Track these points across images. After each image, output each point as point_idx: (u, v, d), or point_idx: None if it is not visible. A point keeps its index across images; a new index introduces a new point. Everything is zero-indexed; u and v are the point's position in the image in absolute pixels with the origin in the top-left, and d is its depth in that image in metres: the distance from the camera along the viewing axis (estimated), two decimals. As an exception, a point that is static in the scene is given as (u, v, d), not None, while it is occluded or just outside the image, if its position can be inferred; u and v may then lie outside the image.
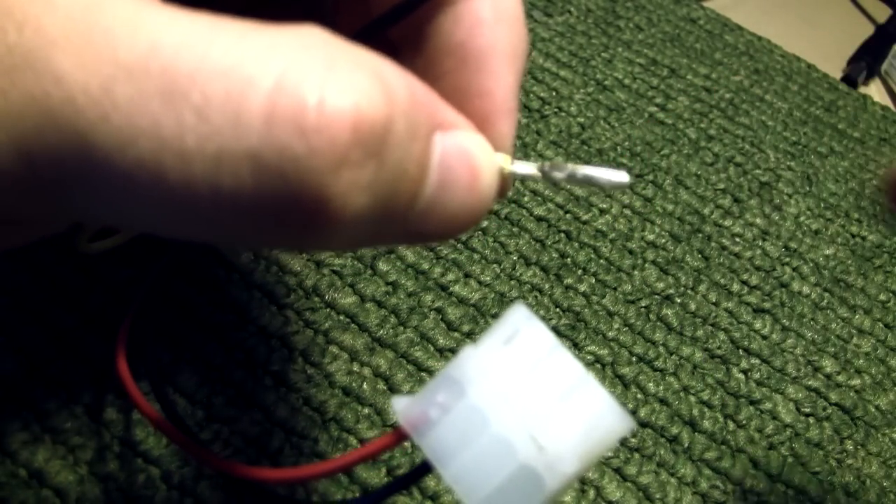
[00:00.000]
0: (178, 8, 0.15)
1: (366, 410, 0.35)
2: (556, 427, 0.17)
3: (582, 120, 0.53)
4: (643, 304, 0.43)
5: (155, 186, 0.14)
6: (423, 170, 0.17)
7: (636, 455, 0.37)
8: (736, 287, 0.46)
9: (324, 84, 0.15)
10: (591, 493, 0.35)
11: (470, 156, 0.18)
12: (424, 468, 0.19)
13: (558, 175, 0.20)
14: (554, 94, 0.54)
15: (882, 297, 0.48)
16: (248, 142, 0.14)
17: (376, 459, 0.34)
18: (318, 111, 0.14)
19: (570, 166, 0.20)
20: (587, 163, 0.50)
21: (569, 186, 0.48)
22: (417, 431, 0.18)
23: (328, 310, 0.38)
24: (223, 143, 0.14)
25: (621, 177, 0.20)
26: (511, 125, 0.22)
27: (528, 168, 0.21)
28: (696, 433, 0.39)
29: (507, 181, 0.21)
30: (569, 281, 0.43)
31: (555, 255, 0.44)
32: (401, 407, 0.18)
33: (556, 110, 0.53)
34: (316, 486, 0.33)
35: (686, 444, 0.38)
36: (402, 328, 0.39)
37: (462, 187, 0.18)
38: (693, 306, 0.44)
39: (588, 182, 0.20)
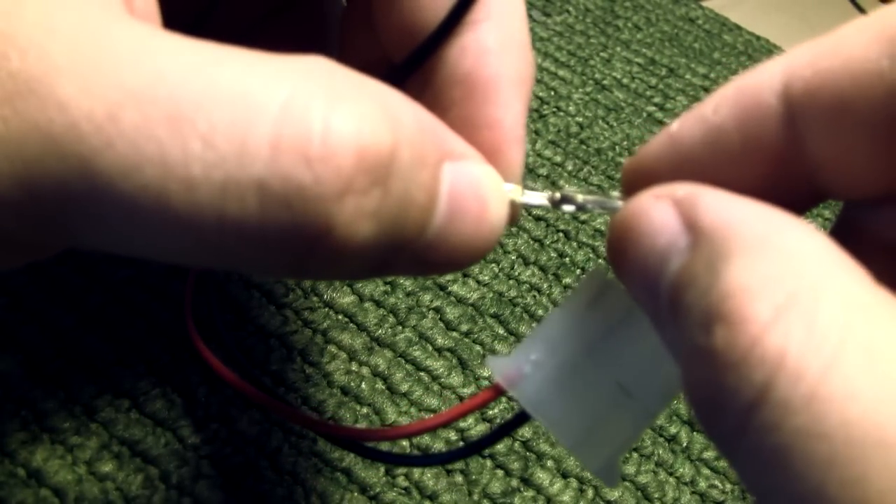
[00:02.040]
0: (183, 36, 0.15)
1: (364, 410, 0.35)
2: (638, 374, 0.19)
3: (580, 119, 0.53)
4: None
5: (159, 213, 0.14)
6: (431, 199, 0.17)
7: (635, 454, 0.37)
8: (735, 286, 0.46)
9: (328, 112, 0.15)
10: (590, 493, 0.35)
11: (479, 186, 0.18)
12: (523, 416, 0.20)
13: (568, 205, 0.21)
14: (552, 93, 0.54)
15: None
16: (254, 170, 0.14)
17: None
18: (322, 140, 0.14)
19: (581, 197, 0.20)
20: (586, 163, 0.50)
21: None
22: (514, 386, 0.19)
23: (327, 309, 0.38)
24: (229, 171, 0.14)
25: None
26: (520, 154, 0.22)
27: (538, 198, 0.21)
28: (695, 433, 0.39)
29: (516, 210, 0.21)
30: (567, 280, 0.43)
31: (553, 254, 0.44)
32: (497, 365, 0.20)
33: (554, 110, 0.53)
34: (315, 486, 0.33)
35: (685, 444, 0.38)
36: (400, 327, 0.39)
37: (472, 218, 0.18)
38: (692, 306, 0.44)
39: (598, 209, 0.20)
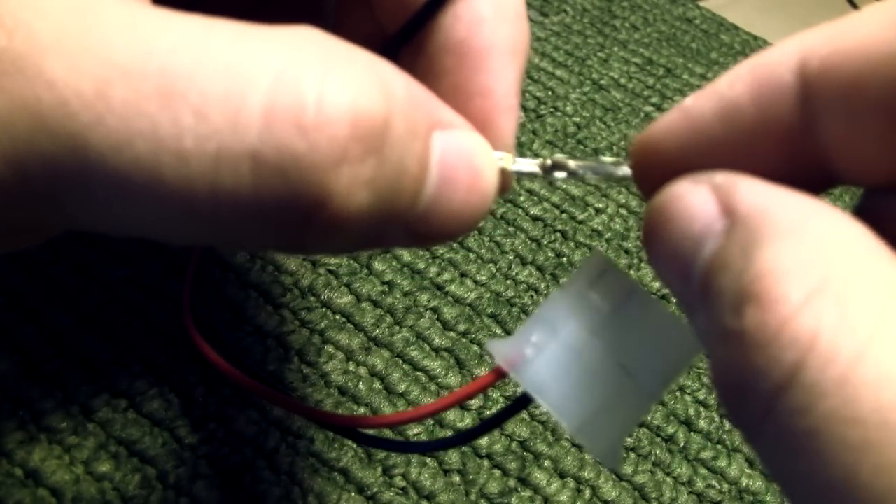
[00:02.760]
0: (171, 11, 0.15)
1: (361, 410, 0.35)
2: (640, 355, 0.19)
3: (578, 119, 0.53)
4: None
5: (152, 188, 0.14)
6: (423, 168, 0.17)
7: (632, 454, 0.37)
8: (732, 286, 0.46)
9: (322, 81, 0.15)
10: (588, 493, 0.35)
11: (470, 154, 0.18)
12: (525, 400, 0.20)
13: (559, 172, 0.21)
14: (550, 93, 0.55)
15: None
16: (247, 140, 0.14)
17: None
18: (317, 108, 0.14)
19: (572, 163, 0.20)
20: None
21: (570, 182, 0.48)
22: (515, 368, 0.20)
23: (324, 309, 0.38)
24: (222, 142, 0.14)
25: (623, 169, 0.20)
26: (512, 123, 0.21)
27: (530, 166, 0.21)
28: (692, 433, 0.39)
29: (508, 179, 0.21)
30: (565, 280, 0.43)
31: (551, 254, 0.44)
32: (498, 348, 0.20)
33: (552, 110, 0.53)
34: (312, 486, 0.33)
35: (682, 444, 0.38)
36: (397, 328, 0.39)
37: (463, 186, 0.18)
38: (689, 306, 0.44)
39: (589, 176, 0.21)
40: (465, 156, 0.18)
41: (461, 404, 0.26)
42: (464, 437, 0.31)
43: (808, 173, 0.17)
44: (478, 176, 0.18)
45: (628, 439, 0.38)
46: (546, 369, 0.19)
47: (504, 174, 0.20)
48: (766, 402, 0.13)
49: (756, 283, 0.13)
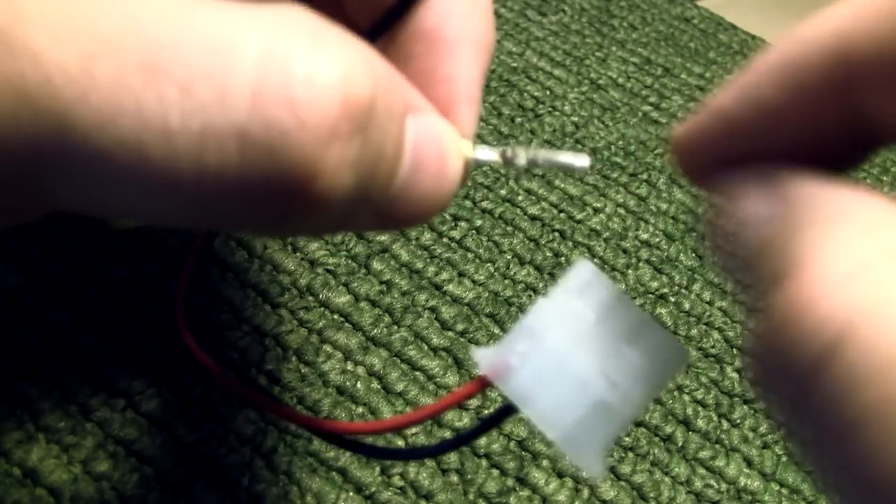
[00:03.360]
0: None
1: (360, 409, 0.35)
2: (625, 365, 0.19)
3: (576, 119, 0.53)
4: (637, 304, 0.43)
5: (136, 167, 0.14)
6: (399, 150, 0.17)
7: (630, 454, 0.37)
8: (730, 286, 0.46)
9: (311, 57, 0.14)
10: (586, 493, 0.35)
11: (440, 139, 0.18)
12: (508, 409, 0.20)
13: (520, 161, 0.21)
14: (548, 93, 0.55)
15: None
16: (234, 116, 0.14)
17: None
18: (307, 84, 0.14)
19: (532, 151, 0.21)
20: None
21: (567, 181, 0.48)
22: (500, 378, 0.19)
23: (322, 309, 0.38)
24: (208, 118, 0.14)
25: (582, 160, 0.21)
26: (474, 113, 0.22)
27: (490, 154, 0.21)
28: (691, 432, 0.39)
29: (468, 167, 0.21)
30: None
31: (549, 254, 0.44)
32: (482, 357, 0.20)
33: (550, 109, 0.53)
34: (310, 486, 0.33)
35: (680, 444, 0.38)
36: (396, 327, 0.39)
37: (432, 171, 0.18)
38: (687, 305, 0.44)
39: (549, 166, 0.21)
40: (436, 140, 0.18)
41: (448, 410, 0.26)
42: (444, 447, 0.31)
43: (848, 147, 0.17)
44: (446, 161, 0.18)
45: (626, 439, 0.38)
46: (530, 379, 0.19)
47: (466, 162, 0.20)
48: (803, 383, 0.12)
49: (796, 263, 0.13)
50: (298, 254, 0.40)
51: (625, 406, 0.19)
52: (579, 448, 0.19)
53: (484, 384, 0.20)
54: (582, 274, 0.20)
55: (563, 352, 0.19)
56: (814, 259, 0.13)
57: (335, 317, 0.38)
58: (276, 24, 0.15)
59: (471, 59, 0.21)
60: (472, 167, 0.21)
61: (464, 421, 0.36)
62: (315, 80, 0.14)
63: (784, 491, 0.38)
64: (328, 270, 0.40)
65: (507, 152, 0.21)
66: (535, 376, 0.19)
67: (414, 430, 0.35)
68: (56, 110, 0.13)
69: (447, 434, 0.36)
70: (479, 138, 0.48)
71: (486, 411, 0.37)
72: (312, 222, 0.16)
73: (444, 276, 0.41)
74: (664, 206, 0.49)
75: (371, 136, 0.15)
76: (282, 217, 0.15)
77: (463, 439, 0.25)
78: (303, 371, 0.36)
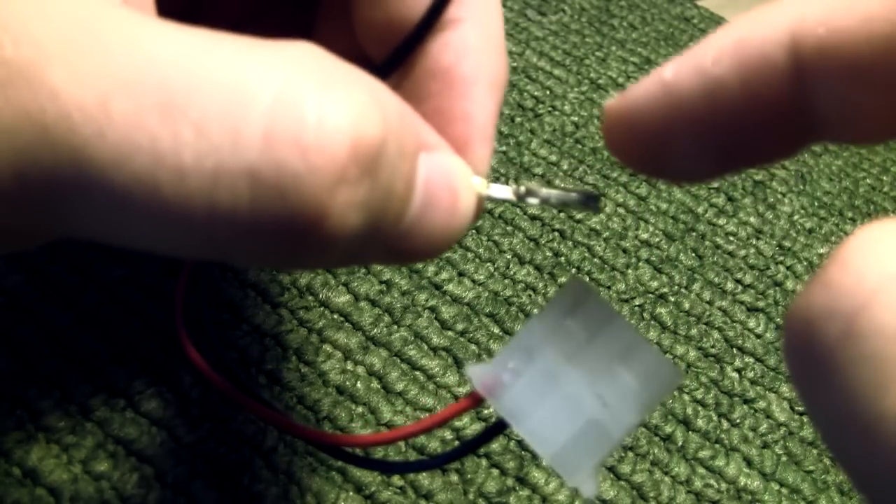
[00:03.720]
0: (174, 23, 0.15)
1: (359, 409, 0.35)
2: (617, 384, 0.19)
3: (576, 119, 0.53)
4: (637, 303, 0.43)
5: (150, 203, 0.14)
6: (409, 188, 0.17)
7: (630, 454, 0.37)
8: (730, 286, 0.46)
9: (322, 101, 0.15)
10: (585, 492, 0.35)
11: (451, 177, 0.18)
12: (500, 426, 0.20)
13: (532, 200, 0.21)
14: (548, 92, 0.55)
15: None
16: (246, 158, 0.14)
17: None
18: (317, 128, 0.14)
19: (545, 191, 0.21)
20: (581, 162, 0.50)
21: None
22: (492, 394, 0.20)
23: (322, 308, 0.38)
24: (221, 159, 0.14)
25: (594, 201, 0.21)
26: (488, 151, 0.22)
27: (504, 192, 0.21)
28: (690, 432, 0.39)
29: (481, 203, 0.21)
30: (563, 279, 0.43)
31: (549, 253, 0.44)
32: (475, 373, 0.20)
33: (549, 109, 0.53)
34: (310, 485, 0.33)
35: (680, 443, 0.38)
36: (395, 327, 0.39)
37: (443, 208, 0.18)
38: (687, 305, 0.44)
39: (562, 204, 0.21)
40: (447, 178, 0.18)
41: (441, 425, 0.26)
42: (441, 460, 0.31)
43: (790, 136, 0.17)
44: (457, 198, 0.19)
45: (626, 439, 0.38)
46: (523, 396, 0.19)
47: (478, 199, 0.20)
48: (828, 349, 0.12)
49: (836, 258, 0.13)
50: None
51: (616, 425, 0.19)
52: (571, 466, 0.19)
53: (476, 400, 0.20)
54: (574, 292, 0.20)
55: (554, 370, 0.19)
56: (853, 247, 0.13)
57: (335, 316, 0.38)
58: (288, 66, 0.15)
59: (486, 97, 0.22)
60: (486, 204, 0.21)
61: (463, 420, 0.36)
62: (325, 124, 0.14)
63: (784, 491, 0.38)
64: (328, 270, 0.40)
65: (521, 189, 0.21)
66: (526, 394, 0.19)
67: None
68: (73, 145, 0.14)
69: (447, 433, 0.36)
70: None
71: (486, 411, 0.37)
72: (322, 258, 0.16)
73: (444, 275, 0.41)
74: (664, 206, 0.49)
75: (380, 177, 0.16)
76: (291, 254, 0.16)
77: (459, 452, 0.25)
78: (302, 371, 0.36)
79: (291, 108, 0.14)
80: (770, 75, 0.16)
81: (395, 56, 0.22)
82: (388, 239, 0.18)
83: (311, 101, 0.14)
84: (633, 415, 0.19)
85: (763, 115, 0.16)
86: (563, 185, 0.25)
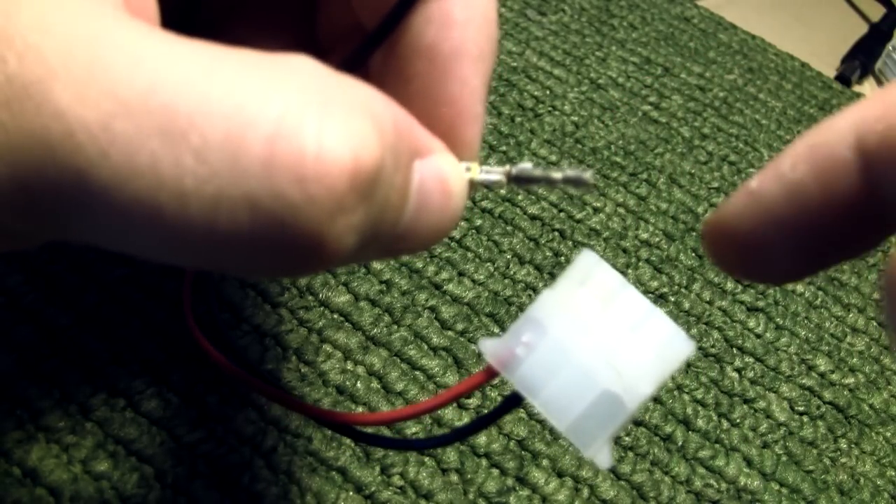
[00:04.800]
0: (178, 37, 0.15)
1: (359, 409, 0.35)
2: (631, 354, 0.19)
3: (576, 118, 0.53)
4: (637, 303, 0.43)
5: (151, 222, 0.14)
6: (404, 198, 0.18)
7: (630, 454, 0.37)
8: (730, 286, 0.46)
9: (321, 129, 0.15)
10: (585, 492, 0.35)
11: (444, 180, 0.19)
12: (515, 399, 0.20)
13: (523, 180, 0.21)
14: (548, 92, 0.55)
15: (876, 295, 0.48)
16: (246, 186, 0.14)
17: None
18: (316, 159, 0.14)
19: (536, 170, 0.21)
20: (581, 162, 0.50)
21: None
22: (506, 368, 0.20)
23: (322, 308, 0.38)
24: (221, 185, 0.14)
25: (586, 177, 0.21)
26: (477, 131, 0.22)
27: (495, 175, 0.21)
28: (690, 432, 0.39)
29: (472, 188, 0.21)
30: (556, 279, 0.43)
31: (549, 253, 0.44)
32: (489, 348, 0.20)
33: (549, 109, 0.53)
34: (310, 485, 0.33)
35: (680, 443, 0.38)
36: (395, 327, 0.39)
37: (436, 208, 0.19)
38: (687, 305, 0.44)
39: (553, 184, 0.21)
40: (440, 181, 0.19)
41: (457, 401, 0.26)
42: (459, 434, 0.31)
43: (868, 229, 0.18)
44: (450, 196, 0.19)
45: (626, 438, 0.38)
46: (537, 369, 0.19)
47: (469, 184, 0.21)
48: None
49: None
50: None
51: (630, 396, 0.19)
52: (586, 437, 0.19)
53: (491, 374, 0.20)
54: (586, 263, 0.20)
55: (568, 341, 0.19)
56: None
57: (335, 316, 0.38)
58: (288, 90, 0.15)
59: (471, 73, 0.21)
60: (476, 186, 0.21)
61: (463, 420, 0.36)
62: (324, 154, 0.15)
63: (784, 490, 0.38)
64: (328, 270, 0.40)
65: (512, 171, 0.21)
66: (540, 366, 0.19)
67: (413, 429, 0.35)
68: (77, 164, 0.14)
69: (447, 431, 0.36)
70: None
71: (486, 410, 0.37)
72: (319, 270, 0.17)
73: (444, 275, 0.41)
74: (664, 206, 0.49)
75: (377, 196, 0.16)
76: (289, 270, 0.16)
77: (479, 424, 0.25)
78: (302, 370, 0.36)
79: (291, 136, 0.14)
80: (841, 172, 0.17)
81: (376, 34, 0.22)
82: (384, 242, 0.18)
83: (310, 129, 0.15)
84: (647, 385, 0.19)
85: (841, 211, 0.17)
86: (555, 166, 0.25)
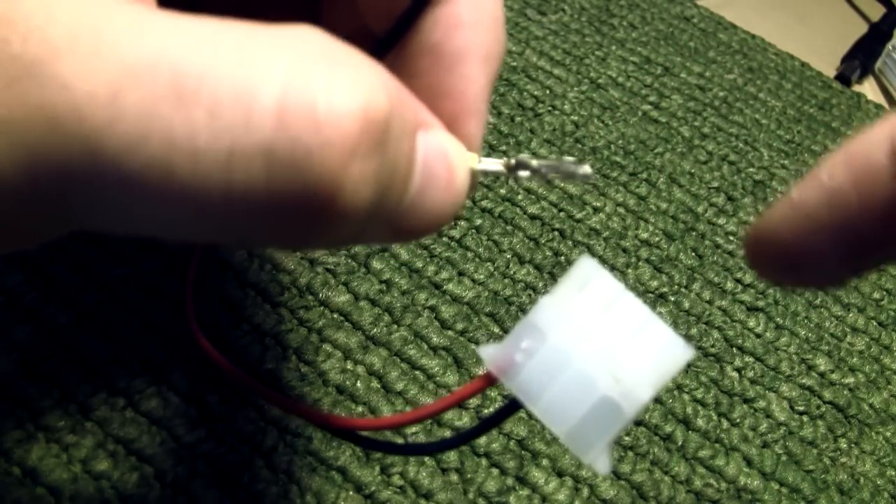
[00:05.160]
0: (180, 13, 0.15)
1: (359, 409, 0.35)
2: (629, 361, 0.19)
3: (576, 118, 0.53)
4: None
5: (165, 187, 0.14)
6: (411, 166, 0.18)
7: (630, 453, 0.37)
8: (730, 285, 0.46)
9: (331, 77, 0.15)
10: (585, 492, 0.35)
11: (447, 154, 0.19)
12: (514, 405, 0.20)
13: (523, 172, 0.21)
14: (548, 92, 0.55)
15: (876, 295, 0.48)
16: (260, 136, 0.14)
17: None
18: (328, 104, 0.14)
19: (535, 162, 0.21)
20: (582, 160, 0.50)
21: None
22: (505, 375, 0.20)
23: (322, 308, 0.38)
24: (235, 138, 0.14)
25: (585, 170, 0.21)
26: (479, 126, 0.22)
27: (495, 165, 0.21)
28: (690, 431, 0.39)
29: (474, 179, 0.21)
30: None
31: (548, 253, 0.44)
32: (488, 354, 0.20)
33: (549, 108, 0.53)
34: (310, 485, 0.33)
35: (680, 443, 0.38)
36: (395, 326, 0.39)
37: (441, 185, 0.19)
38: (687, 304, 0.44)
39: (553, 174, 0.21)
40: (443, 155, 0.19)
41: (454, 406, 0.26)
42: (460, 440, 0.31)
43: None
44: (454, 174, 0.19)
45: (626, 438, 0.38)
46: (535, 375, 0.19)
47: (471, 174, 0.21)
48: None
49: None
50: (298, 253, 0.40)
51: (629, 402, 0.19)
52: (585, 444, 0.19)
53: (490, 380, 0.20)
54: (584, 270, 0.20)
55: (566, 348, 0.19)
56: None
57: (335, 316, 0.38)
58: (296, 48, 0.15)
59: (477, 72, 0.22)
60: (478, 178, 0.21)
61: (463, 420, 0.36)
62: (336, 99, 0.15)
63: (784, 490, 0.38)
64: (328, 269, 0.40)
65: (512, 162, 0.21)
66: (539, 373, 0.19)
67: (414, 429, 0.35)
68: (85, 136, 0.14)
69: (447, 433, 0.36)
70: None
71: (485, 410, 0.37)
72: (332, 236, 0.17)
73: (444, 275, 0.41)
74: (664, 206, 0.49)
75: (387, 152, 0.16)
76: (305, 231, 0.16)
77: (469, 435, 0.25)
78: (302, 370, 0.36)
79: (302, 85, 0.14)
80: (878, 178, 0.18)
81: (390, 35, 0.22)
82: (391, 216, 0.18)
83: (321, 78, 0.15)
84: (645, 391, 0.19)
85: (880, 215, 0.18)
86: (554, 157, 0.25)
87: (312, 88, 0.15)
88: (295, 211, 0.15)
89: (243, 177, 0.14)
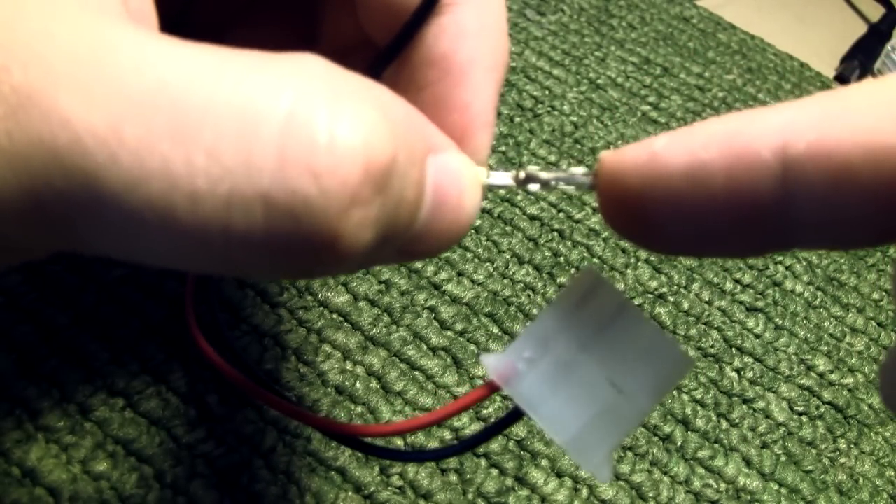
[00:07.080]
0: (182, 41, 0.15)
1: (359, 409, 0.35)
2: (630, 371, 0.19)
3: (575, 118, 0.53)
4: (636, 303, 0.43)
5: (164, 226, 0.14)
6: (420, 194, 0.17)
7: (629, 454, 0.37)
8: (729, 286, 0.46)
9: (332, 121, 0.14)
10: (585, 492, 0.35)
11: (458, 176, 0.19)
12: (516, 414, 0.21)
13: (533, 185, 0.21)
14: (547, 92, 0.55)
15: (875, 295, 0.48)
16: (259, 183, 0.14)
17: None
18: (328, 151, 0.14)
19: (544, 174, 0.21)
20: (580, 162, 0.50)
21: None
22: (508, 383, 0.20)
23: (321, 308, 0.38)
24: (235, 184, 0.14)
25: (593, 180, 0.21)
26: (488, 138, 0.22)
27: (504, 179, 0.21)
28: (689, 432, 0.39)
29: (482, 193, 0.21)
30: (562, 279, 0.43)
31: (548, 253, 0.44)
32: (491, 363, 0.20)
33: (549, 109, 0.53)
34: (309, 485, 0.33)
35: (679, 443, 0.38)
36: (394, 327, 0.39)
37: (452, 207, 0.18)
38: (686, 305, 0.44)
39: (562, 187, 0.21)
40: (454, 177, 0.18)
41: (458, 414, 0.27)
42: (461, 447, 0.31)
43: (763, 235, 0.17)
44: (464, 195, 0.19)
45: (625, 439, 0.38)
46: (538, 384, 0.20)
47: (481, 190, 0.20)
48: None
49: None
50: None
51: (630, 411, 0.19)
52: (586, 452, 0.19)
53: (493, 388, 0.20)
54: (587, 281, 0.20)
55: (569, 358, 0.20)
56: None
57: (334, 316, 0.38)
58: (297, 83, 0.15)
59: (484, 83, 0.22)
60: (486, 191, 0.21)
61: (463, 420, 0.36)
62: (336, 145, 0.14)
63: (783, 490, 0.38)
64: (344, 271, 0.40)
65: (520, 175, 0.21)
66: (541, 382, 0.20)
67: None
68: (86, 170, 0.14)
69: (447, 434, 0.36)
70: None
71: (485, 411, 0.37)
72: (335, 271, 0.17)
73: (443, 275, 0.41)
74: (663, 206, 0.49)
75: (392, 190, 0.16)
76: (308, 269, 0.16)
77: (470, 443, 0.25)
78: (302, 371, 0.36)
79: (303, 130, 0.14)
80: (755, 170, 0.16)
81: (392, 47, 0.22)
82: (401, 243, 0.18)
83: (322, 120, 0.14)
84: (646, 401, 0.19)
85: (740, 209, 0.16)
86: (562, 168, 0.25)
87: (313, 131, 0.14)
88: (295, 254, 0.15)
89: (242, 221, 0.14)
